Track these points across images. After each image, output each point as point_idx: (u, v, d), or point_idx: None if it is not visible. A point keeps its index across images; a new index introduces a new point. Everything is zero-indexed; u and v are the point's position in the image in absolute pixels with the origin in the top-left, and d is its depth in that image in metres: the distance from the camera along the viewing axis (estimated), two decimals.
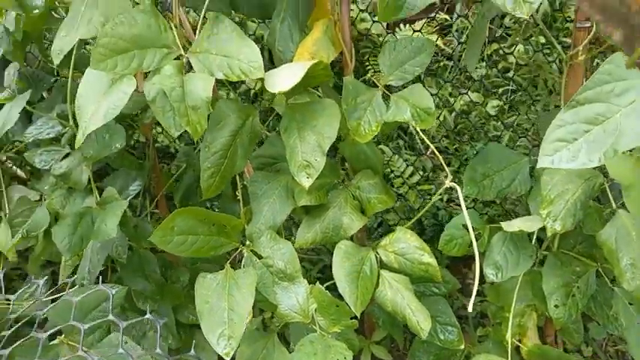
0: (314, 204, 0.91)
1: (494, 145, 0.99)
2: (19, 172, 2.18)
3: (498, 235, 0.90)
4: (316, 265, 1.74)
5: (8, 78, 1.07)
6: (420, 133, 0.79)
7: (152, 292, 1.28)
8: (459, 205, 1.70)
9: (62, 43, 0.81)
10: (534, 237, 0.92)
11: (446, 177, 0.80)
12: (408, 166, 1.75)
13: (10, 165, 1.89)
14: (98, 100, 0.78)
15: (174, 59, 0.83)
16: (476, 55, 0.90)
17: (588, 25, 0.90)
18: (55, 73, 1.53)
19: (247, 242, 0.95)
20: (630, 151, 0.76)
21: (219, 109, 0.88)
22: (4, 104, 1.07)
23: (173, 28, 0.88)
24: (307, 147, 0.87)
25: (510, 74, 1.99)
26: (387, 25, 2.13)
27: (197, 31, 0.92)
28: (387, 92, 0.89)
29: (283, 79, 0.79)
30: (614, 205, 0.81)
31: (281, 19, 1.00)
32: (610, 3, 0.20)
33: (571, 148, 0.53)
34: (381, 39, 1.89)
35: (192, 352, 0.68)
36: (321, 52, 0.97)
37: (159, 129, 2.03)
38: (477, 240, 0.92)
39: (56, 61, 0.81)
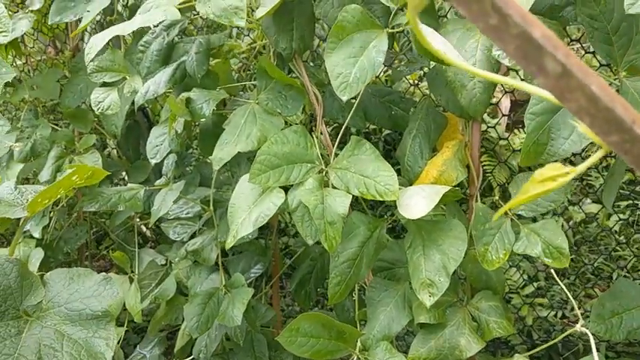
0: (432, 322, 0.93)
1: (624, 280, 0.95)
2: (146, 232, 2.41)
3: None
4: None
5: (167, 167, 1.22)
6: (554, 273, 0.79)
7: None
8: (573, 323, 1.60)
9: (222, 153, 0.93)
10: None
11: (573, 311, 0.79)
12: (520, 276, 1.70)
13: (140, 223, 2.10)
14: (249, 208, 0.88)
15: (317, 173, 0.92)
16: (613, 193, 0.90)
17: None
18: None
19: (360, 347, 0.98)
20: None
21: (350, 220, 0.95)
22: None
23: (315, 140, 0.97)
24: (432, 266, 0.90)
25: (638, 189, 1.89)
26: (507, 125, 2.14)
27: (335, 144, 1.02)
28: (516, 220, 0.91)
29: (417, 204, 0.84)
30: None
31: (412, 136, 1.07)
32: None
33: None
34: (501, 142, 1.90)
35: None
36: (450, 171, 1.02)
37: None
38: None
39: (216, 167, 0.93)
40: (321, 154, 0.97)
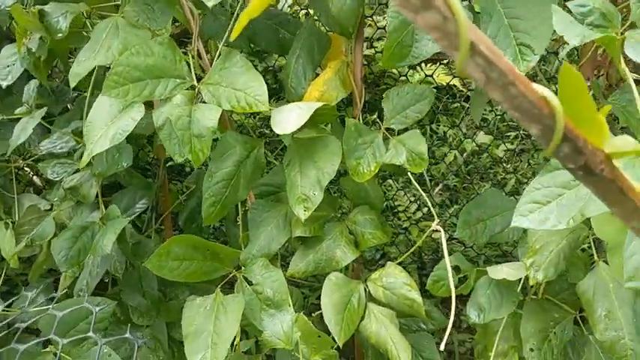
0: (309, 235, 0.93)
1: (492, 190, 1.00)
2: (36, 180, 2.24)
3: (484, 278, 0.91)
4: (315, 292, 1.75)
5: (27, 94, 1.11)
6: (412, 179, 0.81)
7: (147, 308, 1.30)
8: (461, 243, 1.71)
9: (80, 68, 0.85)
10: (521, 281, 0.93)
11: (437, 219, 0.82)
12: (412, 202, 1.77)
13: (28, 172, 1.94)
14: (107, 124, 0.82)
15: (187, 89, 0.87)
16: (481, 106, 0.92)
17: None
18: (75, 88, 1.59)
19: (242, 268, 0.97)
20: None
21: (224, 139, 0.92)
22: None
23: (190, 59, 0.92)
24: (307, 181, 0.90)
25: None
26: None
27: (214, 62, 0.96)
28: (388, 135, 0.92)
29: (289, 119, 0.82)
30: (595, 256, 0.82)
31: (296, 56, 1.03)
32: (524, 105, 0.23)
33: (544, 210, 0.55)
34: (402, 78, 1.92)
35: None
36: (330, 91, 1.00)
37: None
38: (463, 282, 0.93)
39: (72, 84, 0.85)
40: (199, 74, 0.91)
